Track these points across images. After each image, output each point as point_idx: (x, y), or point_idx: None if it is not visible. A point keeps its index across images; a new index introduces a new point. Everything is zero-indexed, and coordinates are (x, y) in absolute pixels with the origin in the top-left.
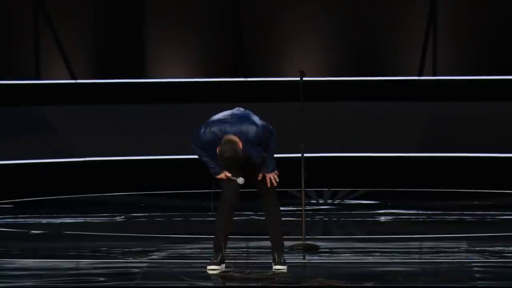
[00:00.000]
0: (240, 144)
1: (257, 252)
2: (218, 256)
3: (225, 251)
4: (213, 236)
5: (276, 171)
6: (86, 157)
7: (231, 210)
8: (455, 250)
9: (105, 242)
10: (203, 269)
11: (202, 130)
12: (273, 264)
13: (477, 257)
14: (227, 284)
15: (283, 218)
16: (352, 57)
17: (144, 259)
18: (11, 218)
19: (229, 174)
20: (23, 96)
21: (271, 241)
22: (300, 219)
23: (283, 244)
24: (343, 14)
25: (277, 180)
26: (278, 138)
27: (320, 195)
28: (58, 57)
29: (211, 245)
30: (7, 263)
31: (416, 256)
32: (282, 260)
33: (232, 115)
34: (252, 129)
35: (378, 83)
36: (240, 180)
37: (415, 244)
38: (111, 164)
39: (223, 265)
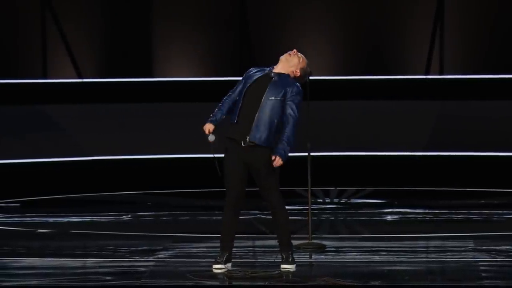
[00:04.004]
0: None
1: (264, 251)
2: (224, 255)
3: (232, 251)
4: (219, 235)
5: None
6: (93, 156)
7: (237, 211)
8: (462, 249)
9: (111, 241)
10: (209, 268)
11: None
12: (281, 263)
13: (484, 256)
14: (233, 283)
15: (290, 218)
16: (359, 56)
17: (150, 258)
18: (18, 217)
19: (210, 130)
20: (30, 95)
21: (278, 242)
22: (307, 218)
23: (291, 244)
24: (349, 13)
25: (278, 165)
26: None
27: (326, 194)
28: (65, 57)
29: (218, 244)
30: (14, 262)
31: (423, 255)
32: (290, 260)
33: None
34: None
35: (385, 82)
36: (211, 137)
37: (422, 243)
38: (117, 163)
39: (229, 264)
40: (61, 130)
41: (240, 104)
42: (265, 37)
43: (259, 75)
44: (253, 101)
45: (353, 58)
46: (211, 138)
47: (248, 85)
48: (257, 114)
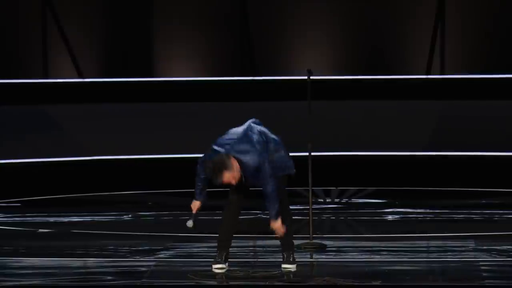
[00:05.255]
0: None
1: (264, 251)
2: (223, 255)
3: (229, 250)
4: (217, 235)
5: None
6: (93, 156)
7: (237, 212)
8: (463, 249)
9: (112, 241)
10: (210, 268)
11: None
12: (282, 263)
13: (485, 256)
14: (233, 283)
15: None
16: (360, 56)
17: (151, 258)
18: (19, 216)
19: (195, 208)
20: (31, 95)
21: (280, 242)
22: (308, 218)
23: (293, 244)
24: (350, 13)
25: (283, 232)
26: (285, 137)
27: (327, 193)
28: (66, 57)
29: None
30: (14, 262)
31: (424, 255)
32: (291, 259)
33: (234, 141)
34: (249, 158)
35: (386, 82)
36: (189, 224)
37: (423, 243)
38: (118, 163)
39: (227, 264)
40: (61, 130)
41: None
42: (265, 36)
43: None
44: None
45: (354, 58)
46: (189, 224)
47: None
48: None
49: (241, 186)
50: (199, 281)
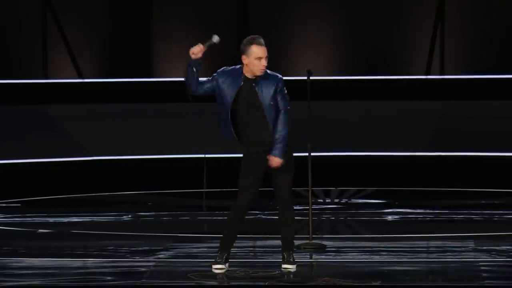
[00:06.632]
0: None
1: (264, 251)
2: (224, 255)
3: (230, 251)
4: (220, 236)
5: (282, 160)
6: (93, 156)
7: (242, 217)
8: (462, 249)
9: (112, 241)
10: (210, 268)
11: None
12: (282, 263)
13: (484, 256)
14: (233, 283)
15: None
16: (360, 56)
17: (151, 258)
18: (19, 217)
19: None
20: (31, 95)
21: (282, 240)
22: (307, 218)
23: (293, 244)
24: (350, 13)
25: (281, 168)
26: None
27: (327, 194)
28: (66, 57)
29: (218, 244)
30: (14, 262)
31: (423, 255)
32: (291, 259)
33: None
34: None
35: (386, 82)
36: (215, 39)
37: (422, 243)
38: (118, 163)
39: (227, 264)
40: (61, 130)
41: (235, 120)
42: (265, 37)
43: (236, 85)
44: (251, 109)
45: (354, 58)
46: (215, 39)
47: (233, 99)
48: (262, 120)
49: (253, 182)
50: (199, 281)
